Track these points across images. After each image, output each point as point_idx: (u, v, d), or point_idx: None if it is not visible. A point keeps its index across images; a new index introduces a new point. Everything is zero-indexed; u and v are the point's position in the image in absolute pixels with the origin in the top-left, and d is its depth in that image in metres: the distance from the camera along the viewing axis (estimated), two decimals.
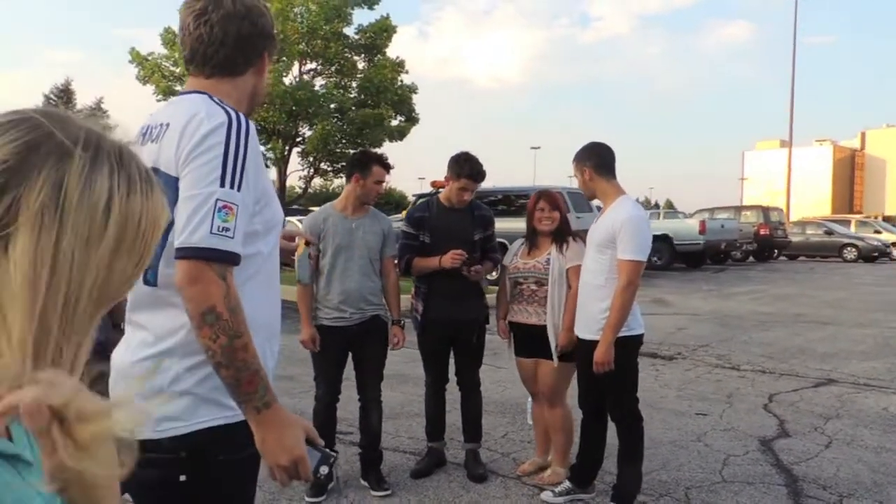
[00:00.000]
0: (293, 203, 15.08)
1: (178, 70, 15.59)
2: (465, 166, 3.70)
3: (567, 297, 3.59)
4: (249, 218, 1.39)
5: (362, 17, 16.04)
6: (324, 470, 1.38)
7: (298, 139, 15.00)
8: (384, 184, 3.66)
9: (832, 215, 37.42)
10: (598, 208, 3.63)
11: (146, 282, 1.41)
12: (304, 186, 15.96)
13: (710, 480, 3.75)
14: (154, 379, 1.37)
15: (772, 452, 4.18)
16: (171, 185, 1.35)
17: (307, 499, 3.47)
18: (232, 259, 1.32)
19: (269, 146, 15.29)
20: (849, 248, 22.97)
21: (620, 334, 3.18)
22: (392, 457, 4.09)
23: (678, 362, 6.80)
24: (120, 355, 1.46)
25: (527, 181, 17.77)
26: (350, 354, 3.69)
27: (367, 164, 3.58)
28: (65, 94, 37.86)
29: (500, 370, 6.28)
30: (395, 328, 3.78)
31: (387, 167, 3.65)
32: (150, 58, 15.79)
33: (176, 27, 1.60)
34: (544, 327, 3.63)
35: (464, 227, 3.77)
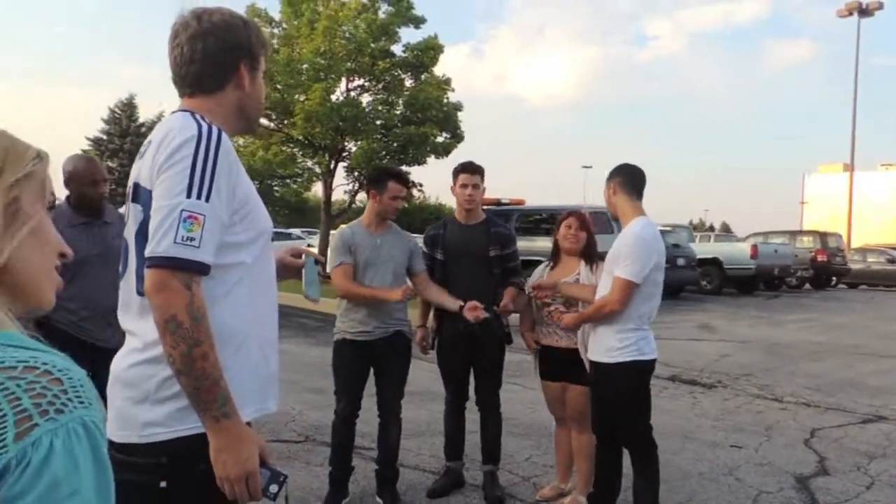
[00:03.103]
0: (338, 216, 15.27)
1: None
2: (458, 166, 3.82)
3: None
4: (224, 228, 1.39)
5: (410, 36, 16.28)
6: (273, 489, 1.37)
7: (344, 154, 15.22)
8: (402, 199, 3.65)
9: None
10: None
11: (138, 292, 1.44)
12: (349, 201, 16.19)
13: None
14: (142, 385, 1.40)
15: (807, 491, 3.97)
16: (148, 198, 1.38)
17: None
18: (197, 268, 1.33)
19: (315, 160, 15.58)
20: None
21: (630, 358, 3.09)
22: (411, 474, 4.04)
23: (718, 391, 6.56)
24: (116, 360, 1.49)
25: (577, 200, 17.56)
26: (372, 370, 3.67)
27: (383, 181, 3.58)
28: (128, 108, 39.33)
29: (530, 391, 6.15)
30: (421, 329, 3.87)
31: (404, 182, 3.64)
32: None
33: None
34: (574, 350, 3.53)
35: (478, 243, 3.73)
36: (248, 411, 1.47)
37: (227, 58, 1.50)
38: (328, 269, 3.58)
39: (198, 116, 1.44)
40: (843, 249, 22.76)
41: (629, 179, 3.29)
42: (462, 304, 3.49)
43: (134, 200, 1.45)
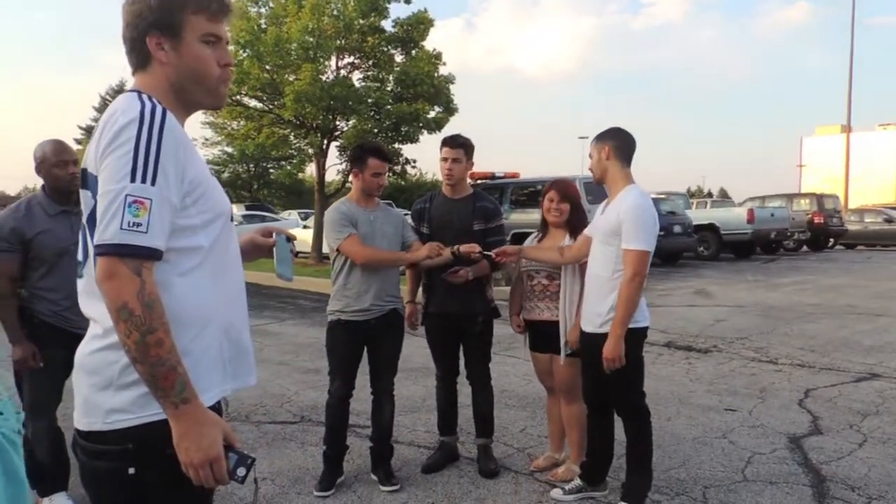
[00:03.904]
0: (333, 196, 15.18)
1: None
2: (443, 140, 3.77)
3: (580, 294, 3.48)
4: (175, 211, 1.37)
5: (399, 10, 15.99)
6: (241, 472, 1.36)
7: (337, 133, 15.09)
8: (383, 175, 3.62)
9: None
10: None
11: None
12: (343, 180, 16.10)
13: (731, 479, 3.61)
14: (104, 371, 1.38)
15: (800, 451, 4.00)
16: (96, 183, 1.35)
17: (315, 493, 3.48)
18: (147, 254, 1.30)
19: (307, 141, 15.45)
20: None
21: None
22: (406, 450, 4.07)
23: (713, 355, 6.59)
24: (80, 348, 1.47)
25: (574, 171, 17.31)
26: (365, 348, 3.67)
27: (363, 158, 3.55)
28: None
29: (525, 363, 6.17)
30: (410, 304, 3.85)
31: (384, 158, 3.60)
32: None
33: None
34: (557, 322, 3.55)
35: (463, 216, 3.71)
36: (212, 394, 1.46)
37: (134, 33, 1.44)
38: (332, 245, 3.55)
39: (144, 96, 1.39)
40: (840, 211, 22.69)
41: (623, 145, 3.23)
42: (455, 248, 3.47)
43: (84, 186, 1.43)
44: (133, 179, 1.29)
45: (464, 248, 3.44)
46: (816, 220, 20.53)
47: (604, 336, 3.10)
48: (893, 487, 3.47)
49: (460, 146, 3.71)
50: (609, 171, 3.24)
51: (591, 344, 3.18)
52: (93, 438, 1.38)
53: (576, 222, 3.65)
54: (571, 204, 3.66)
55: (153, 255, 1.32)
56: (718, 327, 8.07)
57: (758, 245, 18.71)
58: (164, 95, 1.45)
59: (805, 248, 21.33)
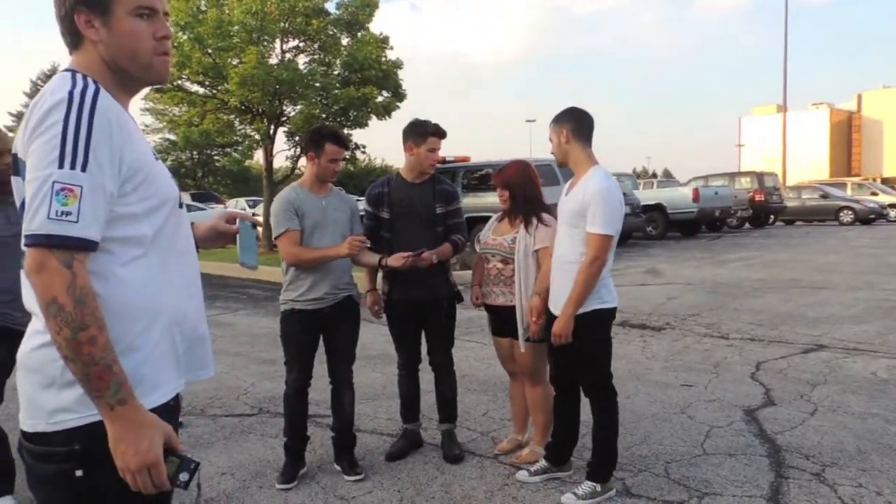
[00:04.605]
0: (281, 183, 14.86)
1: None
2: (429, 125, 3.65)
3: (536, 278, 3.46)
4: (111, 199, 1.28)
5: None
6: (183, 477, 1.28)
7: (284, 119, 14.75)
8: (340, 161, 3.53)
9: (829, 179, 37.23)
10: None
11: None
12: (291, 166, 15.76)
13: (692, 454, 3.67)
14: (46, 369, 1.30)
15: (756, 422, 4.10)
16: (24, 169, 1.26)
17: (278, 486, 3.40)
18: (78, 245, 1.21)
19: (253, 127, 15.08)
20: (845, 212, 22.87)
21: (593, 307, 3.08)
22: (369, 439, 4.02)
23: (667, 333, 6.71)
24: (22, 344, 1.37)
25: (523, 154, 17.37)
26: (322, 337, 3.59)
27: (320, 143, 3.44)
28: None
29: (486, 347, 6.19)
30: (372, 293, 3.78)
31: (342, 144, 3.51)
32: None
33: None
34: (513, 307, 3.52)
35: (425, 200, 3.64)
36: (166, 390, 1.39)
37: (63, 12, 1.36)
38: (273, 236, 3.47)
39: (78, 76, 1.30)
40: (779, 188, 23.46)
41: (580, 126, 3.20)
42: (382, 259, 3.48)
43: (15, 173, 1.33)
44: (61, 165, 1.20)
45: (390, 260, 3.45)
46: (757, 197, 21.17)
47: (577, 317, 3.08)
48: (845, 454, 3.58)
49: (445, 135, 3.70)
50: (571, 154, 3.21)
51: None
52: (38, 440, 1.30)
53: (524, 207, 3.56)
54: (510, 190, 3.58)
55: (85, 245, 1.23)
56: (670, 305, 8.23)
57: (703, 223, 19.20)
58: (100, 75, 1.36)
59: (747, 224, 22.00)
